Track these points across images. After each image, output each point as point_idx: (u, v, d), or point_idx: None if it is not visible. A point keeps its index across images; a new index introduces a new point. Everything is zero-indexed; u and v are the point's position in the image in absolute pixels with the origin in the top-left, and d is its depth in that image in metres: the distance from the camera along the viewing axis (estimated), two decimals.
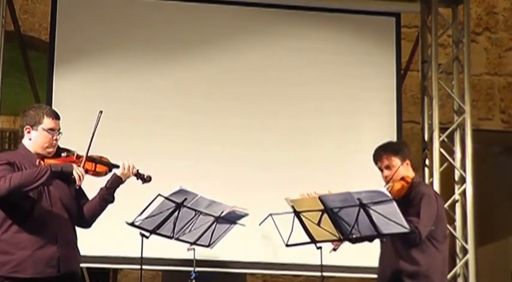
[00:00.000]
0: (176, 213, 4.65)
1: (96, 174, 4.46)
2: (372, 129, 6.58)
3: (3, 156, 4.36)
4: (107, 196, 4.49)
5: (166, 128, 6.38)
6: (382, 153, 4.91)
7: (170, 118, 6.41)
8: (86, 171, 4.36)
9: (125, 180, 4.52)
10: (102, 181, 4.53)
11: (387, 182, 4.81)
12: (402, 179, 4.83)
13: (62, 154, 4.42)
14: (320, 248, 4.67)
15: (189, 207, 4.67)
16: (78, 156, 4.38)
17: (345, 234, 4.52)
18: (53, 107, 6.13)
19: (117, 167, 4.51)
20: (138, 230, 4.66)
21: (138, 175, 4.55)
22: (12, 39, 6.68)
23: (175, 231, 4.72)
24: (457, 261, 6.56)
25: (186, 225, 4.75)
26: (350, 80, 6.70)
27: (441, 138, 6.67)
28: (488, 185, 7.57)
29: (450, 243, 6.37)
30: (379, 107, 6.70)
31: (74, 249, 4.41)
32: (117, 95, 6.37)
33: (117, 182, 4.50)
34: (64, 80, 6.32)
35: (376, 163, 4.95)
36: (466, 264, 6.52)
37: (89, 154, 4.34)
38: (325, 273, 4.94)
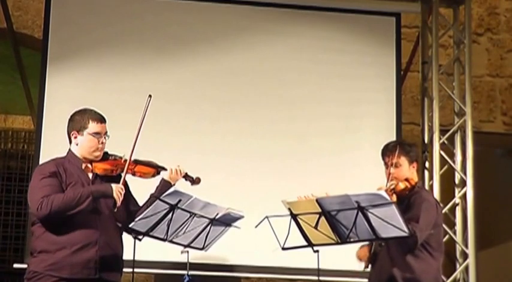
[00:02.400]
0: (170, 215, 4.56)
1: (143, 175, 4.60)
2: (371, 131, 6.57)
3: (48, 167, 4.43)
4: None
5: (162, 122, 6.31)
6: (394, 150, 4.86)
7: (165, 114, 6.34)
8: (134, 173, 4.53)
9: (174, 184, 4.61)
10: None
11: (390, 180, 4.74)
12: (406, 180, 4.80)
13: (110, 158, 4.54)
14: (317, 251, 4.60)
15: (183, 209, 4.59)
16: (126, 160, 4.49)
17: (343, 238, 4.47)
18: (46, 105, 6.20)
19: (165, 169, 4.66)
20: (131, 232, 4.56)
21: (187, 177, 4.70)
22: (4, 37, 6.64)
23: (168, 234, 4.64)
24: (457, 265, 6.52)
25: (180, 228, 4.67)
26: (349, 80, 6.67)
27: (441, 141, 6.63)
28: (489, 188, 7.54)
29: (451, 248, 6.31)
30: (378, 108, 6.67)
31: (116, 254, 4.49)
32: (111, 91, 6.34)
33: (166, 186, 4.60)
34: (57, 77, 6.29)
35: (384, 157, 4.91)
36: (466, 268, 6.46)
37: (136, 158, 4.51)
38: (322, 278, 4.88)
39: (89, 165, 4.46)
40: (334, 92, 6.62)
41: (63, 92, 6.18)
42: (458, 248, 6.50)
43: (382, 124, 6.61)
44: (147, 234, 4.59)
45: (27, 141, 9.33)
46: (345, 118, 6.60)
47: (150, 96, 4.50)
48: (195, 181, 4.74)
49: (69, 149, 4.53)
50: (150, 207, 4.51)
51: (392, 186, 4.69)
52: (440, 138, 6.60)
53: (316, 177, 6.23)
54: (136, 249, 4.58)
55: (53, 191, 4.29)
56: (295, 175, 6.31)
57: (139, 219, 4.50)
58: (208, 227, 4.75)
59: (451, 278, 6.41)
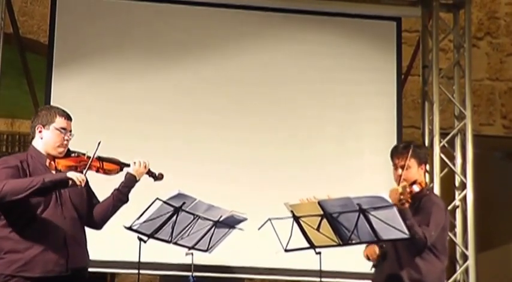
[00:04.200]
0: (174, 217, 4.62)
1: (107, 172, 4.48)
2: (372, 134, 6.57)
3: (10, 160, 4.34)
4: (121, 196, 4.49)
5: (165, 128, 6.37)
6: (403, 152, 4.87)
7: (168, 118, 6.40)
8: (97, 170, 4.40)
9: (139, 179, 4.51)
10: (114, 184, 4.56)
11: (398, 182, 4.78)
12: (415, 182, 4.81)
13: (72, 155, 4.42)
14: (319, 253, 4.63)
15: (187, 212, 4.64)
16: (89, 157, 4.37)
17: (345, 240, 4.50)
18: None
19: (128, 166, 4.53)
20: (136, 234, 4.63)
21: (150, 173, 4.56)
22: (10, 42, 6.65)
23: (173, 236, 4.69)
24: (457, 267, 6.53)
25: (185, 230, 4.72)
26: (350, 84, 6.67)
27: (442, 144, 6.64)
28: (489, 190, 7.55)
29: (451, 249, 6.34)
30: (379, 111, 6.67)
31: (83, 249, 4.41)
32: (116, 97, 6.36)
33: (131, 180, 4.50)
34: (62, 82, 6.30)
35: (393, 159, 4.92)
36: (467, 270, 6.48)
37: (100, 155, 4.37)
38: (324, 279, 4.90)
39: (52, 162, 4.36)
40: (335, 95, 6.63)
41: (68, 97, 6.15)
42: (458, 250, 6.52)
43: (383, 128, 6.61)
44: (151, 236, 4.64)
45: None
46: (346, 121, 6.61)
47: (99, 143, 4.29)
48: (157, 177, 4.58)
49: (32, 145, 4.43)
50: (155, 210, 4.54)
51: (408, 189, 4.67)
52: (440, 141, 6.61)
53: (318, 183, 6.24)
54: (141, 250, 4.62)
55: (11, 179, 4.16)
56: (297, 181, 6.30)
57: (144, 222, 4.56)
58: (212, 229, 4.80)
59: (451, 280, 6.42)
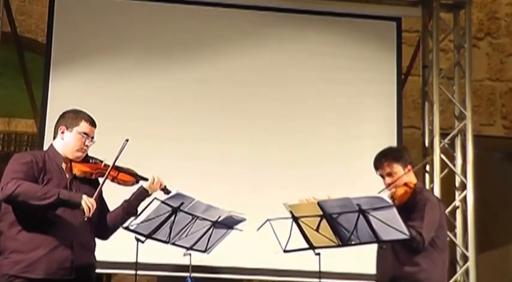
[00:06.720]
0: (172, 217, 4.58)
1: (121, 183, 4.53)
2: (372, 134, 6.56)
3: (26, 156, 4.36)
4: (130, 209, 4.54)
5: (164, 128, 6.36)
6: (383, 160, 4.87)
7: (167, 118, 6.38)
8: (112, 180, 4.45)
9: (151, 194, 4.56)
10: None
11: (390, 189, 4.77)
12: (405, 184, 4.80)
13: (90, 161, 4.46)
14: (318, 254, 4.61)
15: (185, 212, 4.61)
16: (106, 165, 4.42)
17: (344, 241, 4.49)
18: (48, 109, 6.22)
19: (145, 179, 4.58)
20: (133, 234, 4.59)
21: (165, 190, 4.61)
22: (8, 41, 6.65)
23: (171, 236, 4.67)
24: (458, 268, 6.53)
25: (183, 230, 4.69)
26: (350, 84, 6.67)
27: (442, 144, 6.65)
28: (489, 191, 7.54)
29: (451, 250, 6.33)
30: (379, 111, 6.67)
31: (90, 254, 4.43)
32: (114, 96, 6.35)
33: (143, 195, 4.56)
34: (60, 81, 6.30)
35: (377, 170, 4.92)
36: (467, 271, 6.48)
37: (117, 165, 4.41)
38: (323, 280, 4.89)
39: (69, 165, 4.38)
40: (335, 95, 6.62)
41: (66, 96, 6.15)
42: (458, 251, 6.51)
43: (383, 127, 6.61)
44: (149, 236, 4.60)
45: (30, 144, 9.36)
46: (346, 121, 6.60)
47: (127, 140, 4.39)
48: None
49: (52, 144, 4.45)
50: (153, 210, 4.51)
51: (392, 195, 4.69)
52: (440, 142, 6.61)
53: (318, 183, 6.21)
54: (139, 251, 4.59)
55: (26, 178, 4.18)
56: (296, 181, 6.27)
57: (142, 222, 4.53)
58: (211, 230, 4.77)
59: (452, 281, 6.42)
